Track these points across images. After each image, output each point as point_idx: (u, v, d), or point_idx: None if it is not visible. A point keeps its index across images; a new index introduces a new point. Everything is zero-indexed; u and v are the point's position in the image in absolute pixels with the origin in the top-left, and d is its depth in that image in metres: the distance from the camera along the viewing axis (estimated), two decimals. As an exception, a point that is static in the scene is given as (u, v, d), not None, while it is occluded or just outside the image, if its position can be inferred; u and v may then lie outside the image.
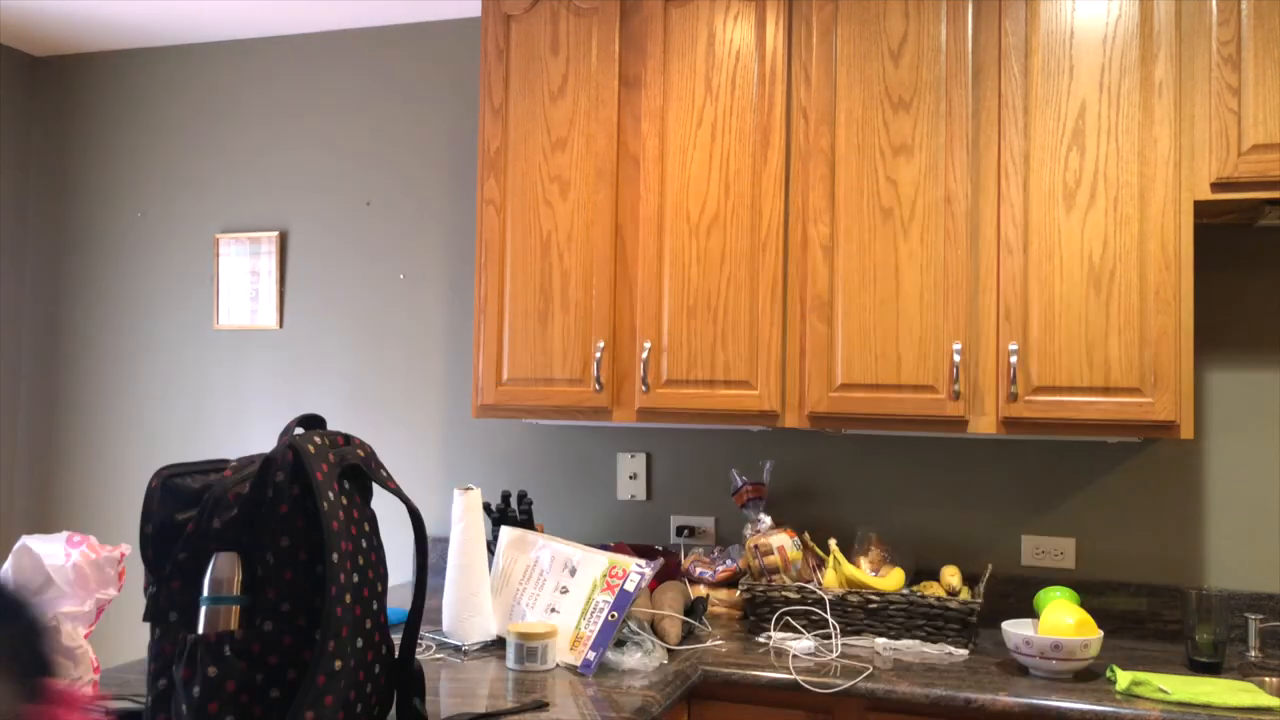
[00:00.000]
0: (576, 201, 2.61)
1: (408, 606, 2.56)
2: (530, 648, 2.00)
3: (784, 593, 2.36)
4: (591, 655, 2.03)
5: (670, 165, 2.54)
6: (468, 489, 2.29)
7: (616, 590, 2.12)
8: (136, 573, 3.20)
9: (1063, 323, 2.26)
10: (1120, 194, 2.24)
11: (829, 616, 2.33)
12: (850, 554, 2.50)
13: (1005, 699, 1.95)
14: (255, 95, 3.39)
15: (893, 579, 2.40)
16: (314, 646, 1.26)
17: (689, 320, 2.51)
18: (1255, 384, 2.49)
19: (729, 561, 2.62)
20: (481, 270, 2.69)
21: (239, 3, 3.12)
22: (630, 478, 2.93)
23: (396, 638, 1.36)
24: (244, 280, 3.34)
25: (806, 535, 2.55)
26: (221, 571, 1.25)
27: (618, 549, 2.55)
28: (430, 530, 3.01)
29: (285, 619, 1.27)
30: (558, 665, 2.05)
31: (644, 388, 2.51)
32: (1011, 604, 2.58)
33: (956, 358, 2.30)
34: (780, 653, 2.23)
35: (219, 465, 1.34)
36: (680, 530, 2.88)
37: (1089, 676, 2.08)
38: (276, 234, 3.31)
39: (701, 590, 2.58)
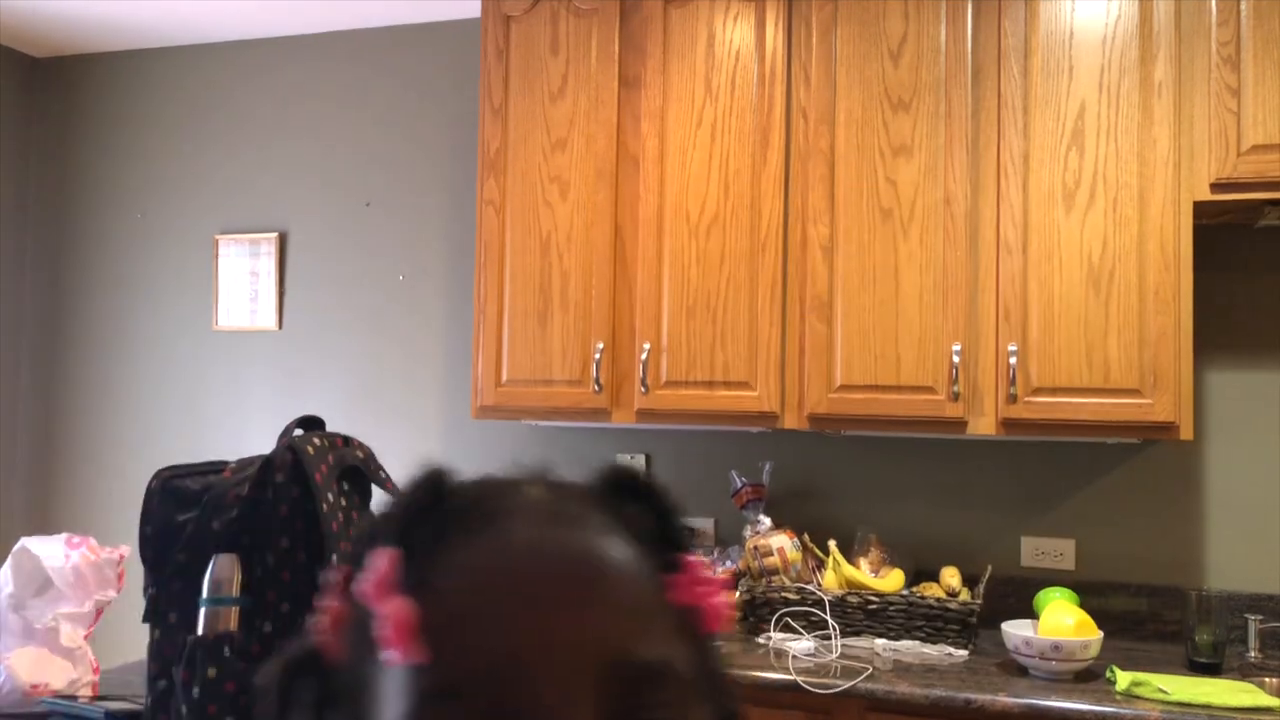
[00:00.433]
0: (576, 202, 2.61)
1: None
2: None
3: (784, 594, 2.36)
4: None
5: (670, 166, 2.54)
6: (467, 490, 2.29)
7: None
8: (136, 574, 3.19)
9: (1062, 323, 2.26)
10: (1120, 194, 2.24)
11: (828, 617, 2.32)
12: (850, 555, 2.50)
13: (1005, 699, 1.95)
14: (255, 96, 3.39)
15: (892, 580, 2.40)
16: (313, 648, 1.26)
17: (688, 321, 2.51)
18: (1255, 385, 2.49)
19: (729, 563, 2.62)
20: (481, 271, 2.69)
21: (238, 4, 3.12)
22: (630, 478, 2.93)
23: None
24: (244, 281, 3.34)
25: (806, 536, 2.55)
26: (221, 573, 1.25)
27: (617, 550, 2.55)
28: (430, 531, 2.99)
29: (285, 620, 1.27)
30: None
31: (643, 389, 2.51)
32: (1011, 605, 2.57)
33: (956, 358, 2.30)
34: (780, 653, 2.22)
35: (218, 466, 1.34)
36: (680, 531, 2.88)
37: (1089, 677, 2.08)
38: (276, 235, 3.31)
39: (701, 591, 2.57)
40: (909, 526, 2.69)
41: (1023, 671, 2.12)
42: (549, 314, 2.62)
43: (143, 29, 3.36)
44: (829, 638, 2.31)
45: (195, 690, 1.21)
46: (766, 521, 2.53)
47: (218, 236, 3.38)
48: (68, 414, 3.55)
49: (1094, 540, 2.57)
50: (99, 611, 1.75)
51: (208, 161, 3.43)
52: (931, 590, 2.37)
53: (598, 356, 2.55)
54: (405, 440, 3.12)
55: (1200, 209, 2.27)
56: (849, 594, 2.33)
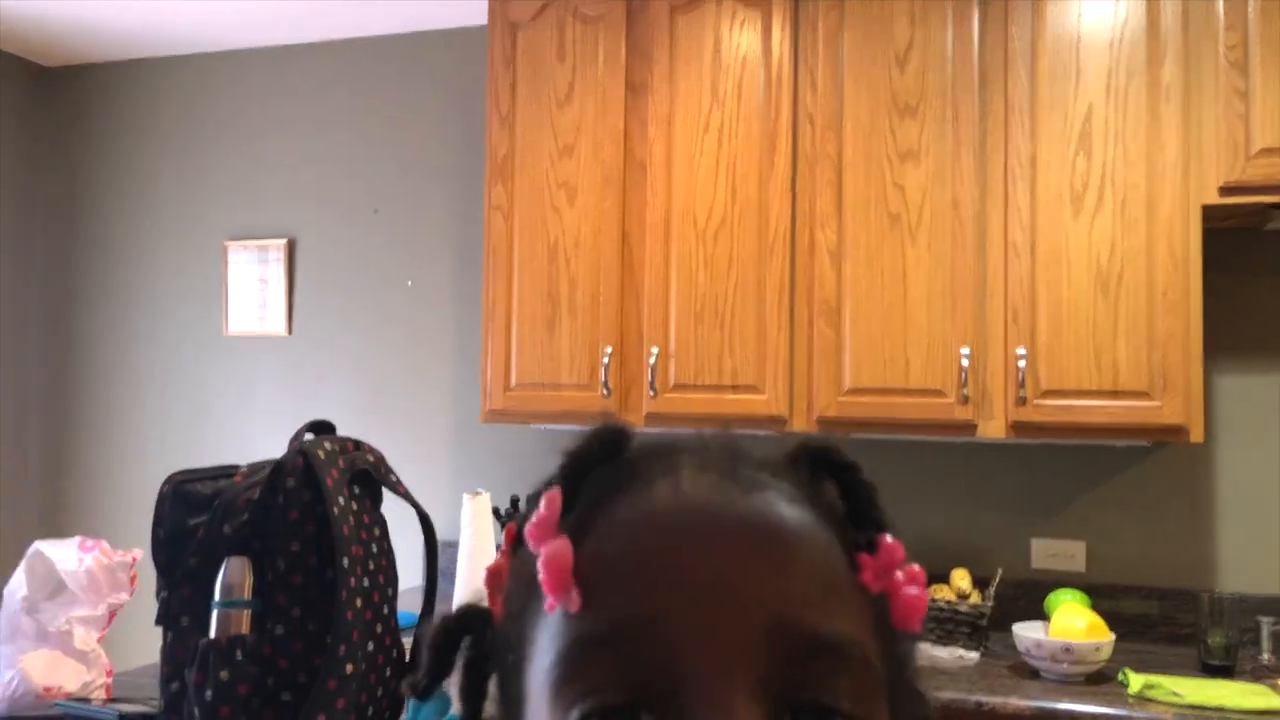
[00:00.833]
0: (584, 208, 2.62)
1: (418, 610, 2.55)
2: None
3: (793, 597, 2.36)
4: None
5: (677, 171, 2.55)
6: (476, 494, 2.30)
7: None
8: (148, 577, 3.21)
9: (1070, 326, 2.26)
10: (1128, 197, 2.24)
11: (838, 621, 2.32)
12: (859, 558, 2.49)
13: (1017, 702, 1.94)
14: (262, 103, 3.41)
15: (902, 583, 2.39)
16: (325, 651, 1.26)
17: (696, 325, 2.51)
18: (1265, 387, 2.48)
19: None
20: (489, 277, 2.70)
21: (246, 13, 3.14)
22: (639, 483, 2.93)
23: (407, 641, 1.36)
24: (253, 287, 3.36)
25: (815, 540, 2.54)
26: (232, 576, 1.25)
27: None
28: (441, 535, 3.00)
29: (296, 623, 1.27)
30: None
31: (651, 393, 2.52)
32: (1022, 607, 2.56)
33: (965, 362, 2.29)
34: (790, 657, 2.22)
35: (229, 471, 1.35)
36: (689, 535, 2.88)
37: (1101, 680, 2.08)
38: (285, 241, 3.33)
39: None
40: (918, 529, 2.69)
41: (1034, 674, 2.11)
42: (557, 319, 2.62)
43: (150, 38, 3.38)
44: (839, 642, 2.31)
45: (208, 693, 1.22)
46: (775, 525, 2.53)
47: (227, 243, 3.39)
48: (79, 419, 3.57)
49: (1105, 542, 2.56)
50: (112, 614, 1.75)
51: (216, 168, 3.45)
52: (942, 593, 2.37)
53: (606, 361, 2.55)
54: (414, 444, 3.12)
55: (1209, 212, 2.26)
56: (858, 598, 2.33)
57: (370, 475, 1.40)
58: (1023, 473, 2.63)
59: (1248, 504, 2.48)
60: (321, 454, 1.32)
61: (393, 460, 1.49)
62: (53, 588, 1.70)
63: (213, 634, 1.24)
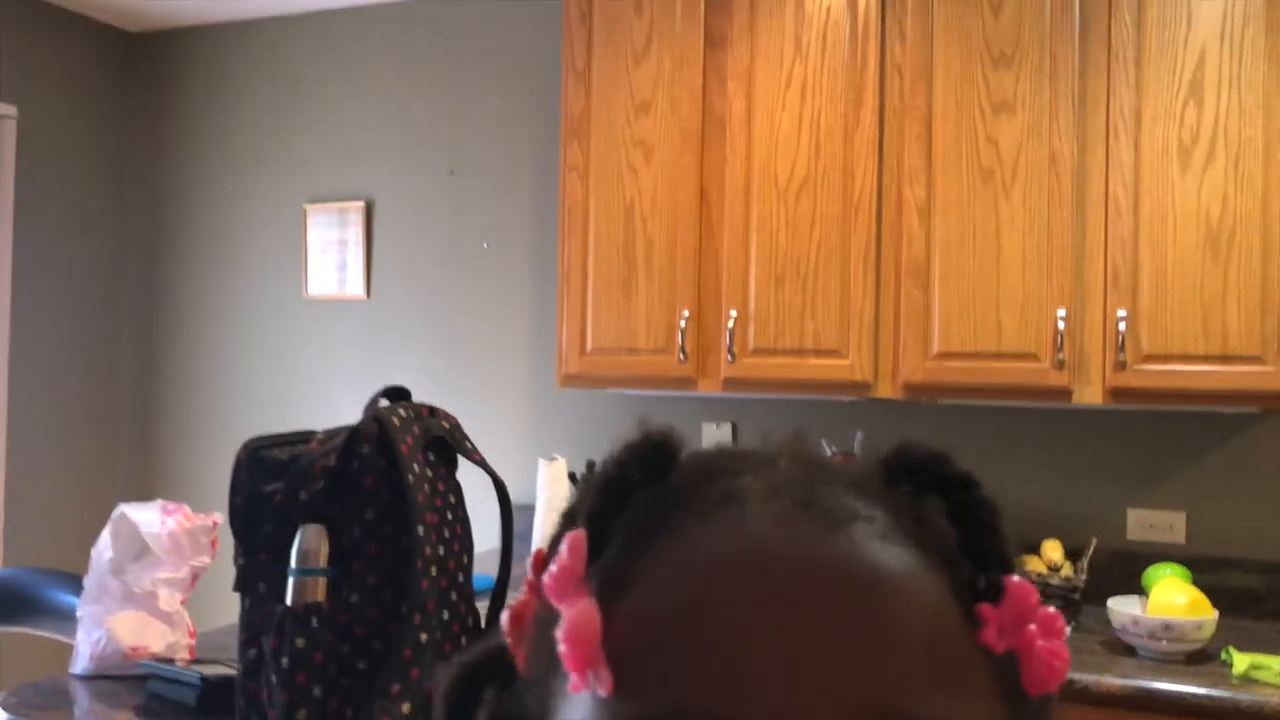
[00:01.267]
0: (660, 166, 2.55)
1: (494, 572, 2.56)
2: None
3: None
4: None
5: (757, 128, 2.47)
6: (553, 459, 2.27)
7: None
8: (229, 541, 3.27)
9: (1176, 288, 2.13)
10: (1242, 150, 2.10)
11: (923, 592, 2.26)
12: (945, 528, 2.42)
13: (1111, 680, 1.86)
14: (340, 66, 3.40)
15: (990, 554, 2.32)
16: (399, 618, 1.25)
17: (776, 288, 2.44)
18: (1387, 352, 2.33)
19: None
20: (564, 238, 2.66)
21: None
22: (716, 448, 2.89)
23: (483, 605, 1.35)
24: (332, 249, 3.37)
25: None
26: (308, 544, 1.24)
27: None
28: (516, 500, 3.00)
29: (371, 591, 1.26)
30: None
31: (730, 357, 2.46)
32: (1116, 580, 2.46)
33: (1061, 325, 2.19)
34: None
35: (305, 436, 1.34)
36: (768, 502, 2.83)
37: (1202, 659, 1.98)
38: (363, 203, 3.33)
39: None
40: (1009, 499, 2.55)
41: (1130, 651, 2.02)
42: (633, 281, 2.57)
43: (231, 2, 3.39)
44: (923, 613, 2.25)
45: (284, 660, 1.21)
46: (858, 493, 2.47)
47: (306, 205, 3.41)
48: (164, 383, 3.64)
49: (1207, 514, 2.44)
50: (194, 577, 1.78)
51: (295, 130, 3.46)
52: (1033, 564, 2.28)
53: (683, 324, 2.50)
54: (490, 410, 3.12)
55: (1331, 164, 2.12)
56: (944, 569, 2.26)
57: (445, 442, 1.38)
58: (1119, 440, 2.51)
59: (1365, 476, 2.34)
60: (396, 420, 1.30)
61: (467, 425, 1.47)
62: (138, 550, 1.72)
63: (289, 601, 1.24)
